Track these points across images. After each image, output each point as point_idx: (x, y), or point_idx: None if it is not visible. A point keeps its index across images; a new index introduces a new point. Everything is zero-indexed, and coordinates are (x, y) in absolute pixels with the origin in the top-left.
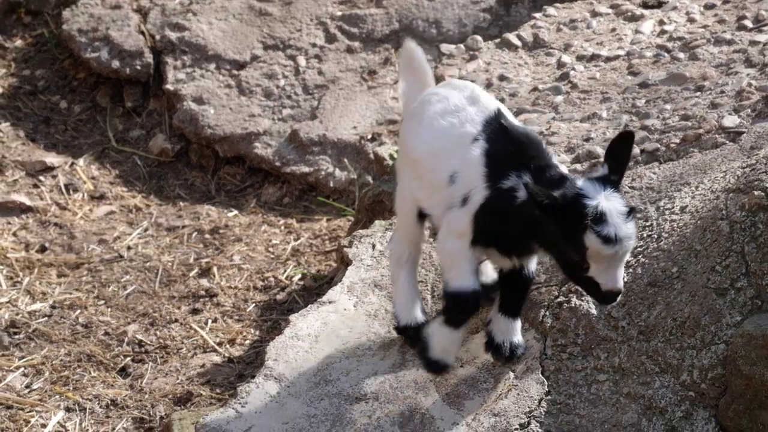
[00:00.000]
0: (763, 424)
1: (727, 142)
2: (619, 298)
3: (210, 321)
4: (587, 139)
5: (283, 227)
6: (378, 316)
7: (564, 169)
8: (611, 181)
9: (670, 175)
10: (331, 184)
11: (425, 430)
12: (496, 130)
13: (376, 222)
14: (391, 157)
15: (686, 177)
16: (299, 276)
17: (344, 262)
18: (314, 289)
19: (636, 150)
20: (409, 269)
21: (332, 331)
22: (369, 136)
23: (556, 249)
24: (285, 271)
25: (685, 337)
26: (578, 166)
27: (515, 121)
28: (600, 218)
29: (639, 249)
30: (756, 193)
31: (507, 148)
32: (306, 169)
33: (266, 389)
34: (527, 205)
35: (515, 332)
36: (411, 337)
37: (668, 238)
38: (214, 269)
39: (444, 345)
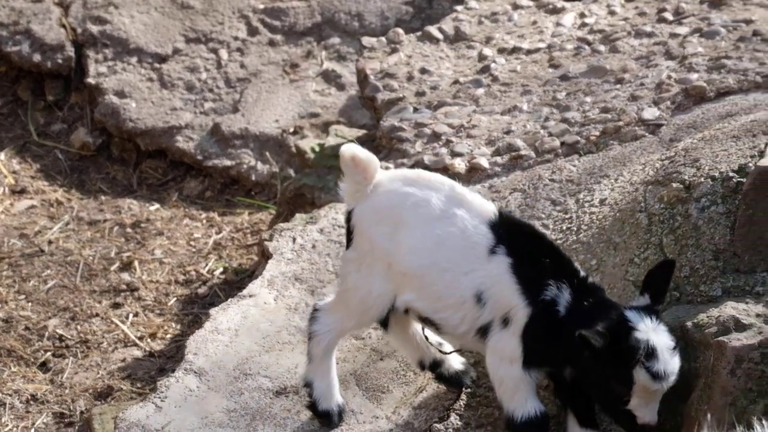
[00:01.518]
0: (680, 415)
1: (647, 134)
2: None
3: (131, 315)
4: (507, 132)
5: (204, 221)
6: (298, 309)
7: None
8: (655, 311)
9: (590, 167)
10: (253, 178)
11: (345, 424)
12: (513, 239)
13: (297, 215)
14: (313, 150)
15: (606, 169)
16: (221, 270)
17: (265, 256)
18: (236, 282)
19: (556, 142)
20: (331, 356)
21: (252, 324)
22: (291, 130)
23: (599, 380)
24: (206, 264)
25: None
26: (498, 159)
27: (517, 218)
28: (651, 354)
29: (558, 241)
30: (675, 185)
31: (535, 259)
32: (228, 163)
33: (186, 383)
34: (568, 324)
35: None
36: (335, 421)
37: (587, 231)
38: (136, 263)
39: None
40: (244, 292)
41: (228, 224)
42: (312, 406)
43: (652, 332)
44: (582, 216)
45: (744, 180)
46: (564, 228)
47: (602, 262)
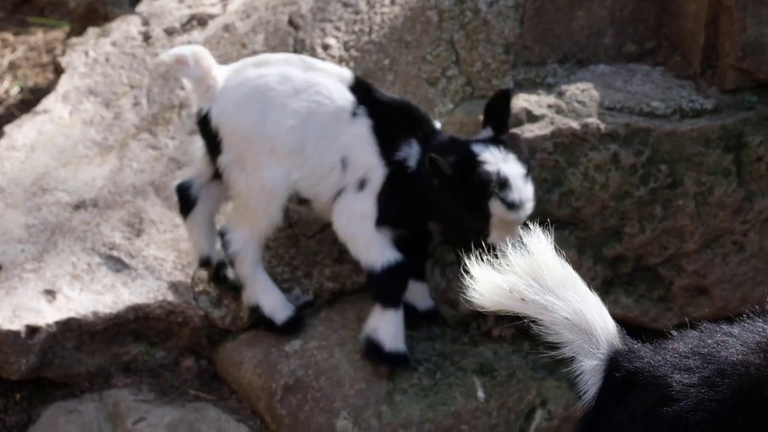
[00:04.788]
0: None
1: None
2: None
3: None
4: None
5: None
6: (94, 122)
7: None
8: (501, 141)
9: None
10: None
11: (145, 234)
12: (371, 100)
13: (90, 29)
14: None
15: None
16: (17, 89)
17: (59, 72)
18: (32, 102)
19: None
20: (261, 269)
21: (48, 140)
22: None
23: (455, 218)
24: (2, 85)
25: None
26: None
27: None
28: (504, 184)
29: (351, 43)
30: None
31: (391, 118)
32: None
33: None
34: (421, 175)
35: (428, 294)
36: (299, 327)
37: (379, 31)
38: None
39: (394, 332)
40: (39, 108)
41: (22, 44)
42: (269, 324)
43: (502, 162)
44: (373, 16)
45: None
46: (356, 29)
47: (395, 61)
